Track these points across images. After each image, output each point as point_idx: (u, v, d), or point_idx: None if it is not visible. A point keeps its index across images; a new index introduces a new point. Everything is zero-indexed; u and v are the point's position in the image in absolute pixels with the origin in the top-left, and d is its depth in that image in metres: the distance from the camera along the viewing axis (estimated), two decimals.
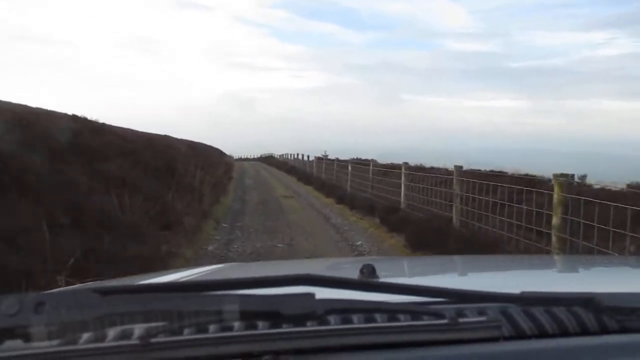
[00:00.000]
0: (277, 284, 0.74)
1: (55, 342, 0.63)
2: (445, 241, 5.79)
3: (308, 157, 23.90)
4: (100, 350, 0.63)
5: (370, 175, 11.57)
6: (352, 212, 10.90)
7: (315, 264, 2.18)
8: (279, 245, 7.32)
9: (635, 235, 3.80)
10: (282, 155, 38.92)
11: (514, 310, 0.77)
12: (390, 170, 10.60)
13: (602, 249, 3.95)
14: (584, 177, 10.09)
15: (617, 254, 3.74)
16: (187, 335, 0.65)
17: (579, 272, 1.55)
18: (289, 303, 0.66)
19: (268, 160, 44.58)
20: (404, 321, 0.71)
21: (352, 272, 1.08)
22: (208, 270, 1.63)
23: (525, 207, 5.05)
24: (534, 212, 4.89)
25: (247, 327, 0.68)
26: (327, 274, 0.78)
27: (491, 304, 0.78)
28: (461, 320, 0.71)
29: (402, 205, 8.99)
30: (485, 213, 5.82)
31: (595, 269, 1.67)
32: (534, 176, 10.08)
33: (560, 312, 0.76)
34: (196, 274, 1.51)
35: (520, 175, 8.89)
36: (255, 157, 58.41)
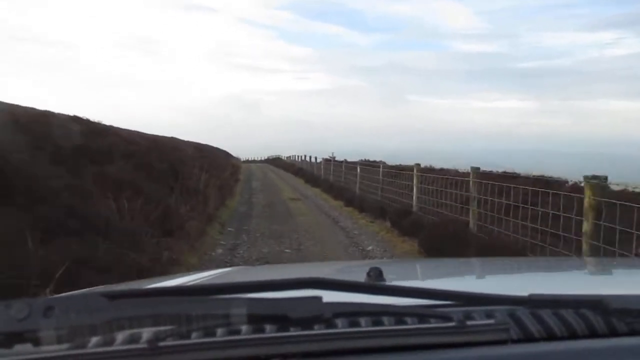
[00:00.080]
0: (285, 288, 0.74)
1: (64, 346, 0.64)
2: (463, 247, 5.45)
3: (315, 158, 23.71)
4: (109, 354, 0.64)
5: (380, 177, 11.24)
6: (362, 215, 10.59)
7: (322, 267, 2.17)
8: (287, 250, 7.06)
9: None
10: (289, 157, 38.73)
11: (522, 312, 0.76)
12: (401, 172, 10.27)
13: None
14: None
15: None
16: (195, 339, 0.66)
17: (587, 274, 1.54)
18: (296, 306, 0.66)
19: (275, 162, 44.40)
20: (411, 324, 0.71)
21: (359, 275, 1.06)
22: (215, 273, 1.63)
23: (550, 212, 4.69)
24: (561, 217, 4.53)
25: (255, 331, 0.68)
26: (334, 277, 0.82)
27: (499, 307, 0.78)
28: (469, 323, 0.70)
29: (414, 208, 8.65)
30: (506, 218, 5.47)
31: (603, 270, 1.64)
32: (550, 177, 9.74)
33: (568, 314, 0.76)
34: (204, 277, 1.49)
35: (535, 176, 8.53)
36: (263, 159, 58.30)
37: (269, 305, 0.67)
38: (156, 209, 5.46)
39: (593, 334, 0.74)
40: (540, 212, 4.85)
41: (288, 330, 0.67)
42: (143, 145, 9.60)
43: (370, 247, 7.33)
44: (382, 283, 0.98)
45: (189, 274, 1.80)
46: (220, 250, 6.92)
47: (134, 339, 0.66)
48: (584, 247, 4.06)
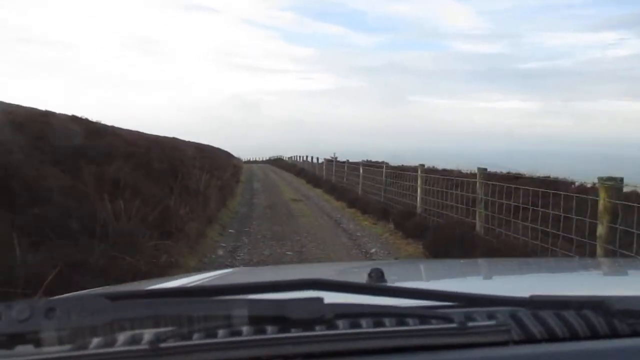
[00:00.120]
0: (286, 289, 0.74)
1: (65, 347, 0.64)
2: (470, 250, 5.29)
3: (317, 159, 23.57)
4: (110, 355, 0.64)
5: (384, 178, 11.08)
6: (365, 217, 10.44)
7: (324, 268, 2.14)
8: (288, 253, 6.92)
9: None
10: (291, 157, 38.60)
11: (524, 314, 0.76)
12: (404, 173, 10.10)
13: None
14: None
15: None
16: (196, 340, 0.66)
17: (589, 275, 1.53)
18: (297, 308, 0.66)
19: (277, 162, 44.28)
20: (412, 325, 0.71)
21: (360, 276, 1.06)
22: (217, 274, 1.62)
23: (562, 215, 4.52)
24: (573, 220, 4.36)
25: (256, 332, 0.69)
26: (335, 278, 0.80)
27: (500, 308, 0.77)
28: (470, 324, 0.70)
29: (418, 210, 8.48)
30: (514, 220, 5.30)
31: (605, 272, 1.63)
32: (556, 178, 9.56)
33: (570, 315, 0.75)
34: (205, 278, 1.49)
35: (541, 177, 8.33)
36: (264, 159, 58.17)
37: (270, 306, 0.67)
38: (154, 210, 5.30)
39: (595, 335, 0.73)
40: (551, 215, 4.68)
41: (289, 332, 0.67)
42: (142, 145, 9.45)
43: (373, 250, 7.18)
44: (383, 284, 0.98)
45: (190, 275, 1.79)
46: (220, 252, 6.78)
47: (135, 340, 0.66)
48: (599, 251, 3.90)
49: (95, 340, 0.66)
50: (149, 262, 4.45)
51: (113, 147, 7.95)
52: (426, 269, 1.74)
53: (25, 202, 4.13)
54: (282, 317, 0.66)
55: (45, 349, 0.63)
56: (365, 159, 17.68)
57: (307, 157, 27.97)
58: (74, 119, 8.62)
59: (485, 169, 6.28)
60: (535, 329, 0.73)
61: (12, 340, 0.62)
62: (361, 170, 13.13)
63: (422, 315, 0.72)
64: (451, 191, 7.50)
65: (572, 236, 4.33)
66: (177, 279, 1.69)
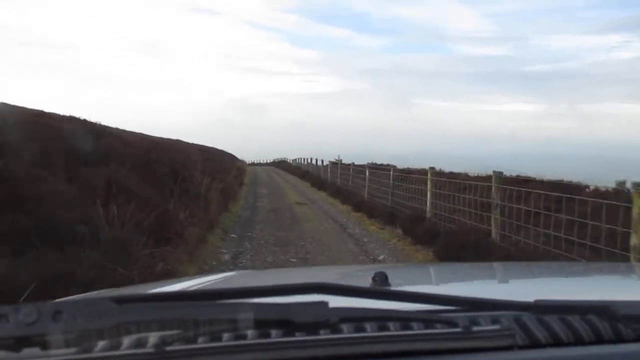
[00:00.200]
0: (291, 292, 0.75)
1: (72, 349, 0.64)
2: (485, 258, 4.96)
3: (322, 161, 23.29)
4: (116, 358, 0.64)
5: (391, 181, 10.73)
6: (371, 221, 10.11)
7: (328, 272, 2.13)
8: (293, 260, 6.61)
9: None
10: (295, 160, 38.33)
11: (528, 318, 0.76)
12: (413, 176, 9.76)
13: None
14: (622, 183, 9.19)
15: None
16: (201, 343, 0.66)
17: (594, 280, 1.51)
18: (302, 311, 0.66)
19: (281, 165, 44.01)
20: (417, 329, 0.71)
21: (364, 279, 1.06)
22: (221, 277, 1.61)
23: (590, 222, 4.17)
24: (603, 229, 4.02)
25: (261, 336, 0.69)
26: (339, 282, 0.82)
27: (505, 312, 0.77)
28: (474, 328, 0.70)
29: (428, 215, 8.14)
30: (534, 227, 4.96)
31: (611, 276, 1.61)
32: (569, 182, 9.22)
33: (575, 320, 0.75)
34: (209, 281, 1.50)
35: (553, 180, 7.98)
36: (268, 161, 57.91)
37: (275, 310, 0.67)
38: (150, 215, 4.99)
39: (600, 340, 0.73)
40: (577, 222, 4.33)
41: (294, 335, 0.67)
42: (142, 147, 9.15)
43: (381, 257, 6.85)
44: (387, 288, 0.98)
45: (195, 278, 1.79)
46: (221, 259, 6.49)
47: (140, 344, 0.67)
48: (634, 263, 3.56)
49: (101, 343, 0.66)
50: (143, 271, 4.13)
51: (111, 149, 7.67)
52: (430, 273, 1.73)
53: (10, 207, 3.83)
54: (286, 321, 0.66)
55: (52, 352, 0.63)
56: (369, 162, 17.36)
57: (311, 159, 27.73)
58: (71, 119, 8.34)
59: (501, 173, 5.94)
60: (540, 334, 0.72)
61: (19, 343, 0.63)
62: (367, 173, 12.80)
63: (426, 320, 0.72)
64: (462, 195, 7.17)
65: (601, 246, 3.98)
66: (181, 281, 1.70)
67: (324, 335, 0.67)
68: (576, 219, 4.38)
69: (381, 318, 0.72)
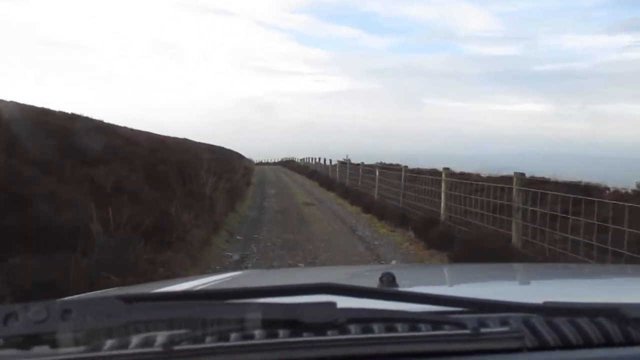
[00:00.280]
0: (299, 293, 0.74)
1: (80, 348, 0.65)
2: None
3: (330, 161, 22.98)
4: (125, 357, 0.65)
5: (403, 182, 10.37)
6: (382, 223, 9.78)
7: (335, 272, 2.12)
8: (300, 264, 6.32)
9: None
10: (303, 159, 38.05)
11: (537, 320, 0.75)
12: (425, 177, 9.40)
13: None
14: None
15: None
16: (209, 343, 0.66)
17: (603, 282, 1.48)
18: (310, 312, 0.66)
19: (289, 164, 43.75)
20: (425, 331, 0.70)
21: (371, 280, 1.06)
22: (228, 277, 1.61)
23: (627, 230, 3.81)
24: None
25: (269, 336, 0.69)
26: (347, 282, 0.83)
27: (513, 314, 0.77)
28: (483, 330, 0.70)
29: (442, 217, 7.79)
30: (562, 233, 4.59)
31: (621, 278, 1.55)
32: (588, 183, 8.83)
33: (584, 322, 0.74)
34: (217, 280, 1.49)
35: (569, 182, 7.60)
36: (276, 161, 57.70)
37: (283, 310, 0.67)
38: (150, 217, 4.70)
39: (609, 342, 0.72)
40: (611, 229, 3.97)
41: (301, 336, 0.67)
42: (147, 146, 8.89)
43: (394, 262, 6.54)
44: (395, 289, 0.98)
45: (202, 277, 1.77)
46: (225, 264, 6.21)
47: (149, 342, 0.67)
48: None
49: (110, 342, 0.67)
50: (140, 279, 3.84)
51: (114, 148, 7.40)
52: (438, 274, 1.72)
53: None
54: (294, 321, 0.66)
55: (61, 350, 0.64)
56: (378, 162, 17.03)
57: (319, 159, 27.46)
58: (73, 117, 8.09)
59: (523, 174, 5.58)
60: (549, 336, 0.71)
61: (29, 341, 0.63)
62: (377, 173, 12.46)
63: (434, 321, 0.71)
64: (478, 197, 6.81)
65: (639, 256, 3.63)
66: (189, 280, 1.66)
67: (331, 335, 0.67)
68: (610, 225, 4.02)
69: (389, 319, 0.72)
